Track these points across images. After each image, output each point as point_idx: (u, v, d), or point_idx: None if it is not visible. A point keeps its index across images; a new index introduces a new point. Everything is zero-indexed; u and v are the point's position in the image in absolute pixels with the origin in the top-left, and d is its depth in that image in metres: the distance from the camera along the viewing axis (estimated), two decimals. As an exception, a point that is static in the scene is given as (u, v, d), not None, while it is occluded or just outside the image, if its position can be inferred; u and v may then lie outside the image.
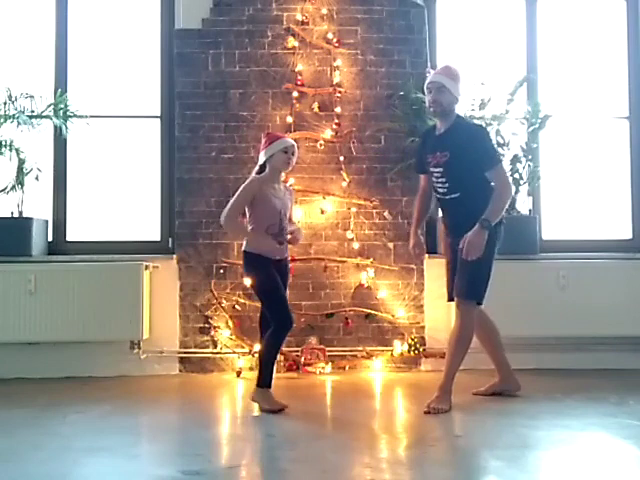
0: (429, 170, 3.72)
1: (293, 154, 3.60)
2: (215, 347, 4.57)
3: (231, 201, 3.58)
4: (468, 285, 3.58)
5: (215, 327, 4.54)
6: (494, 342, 3.90)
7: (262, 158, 3.63)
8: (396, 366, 4.60)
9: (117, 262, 4.51)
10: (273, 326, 3.44)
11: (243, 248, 3.61)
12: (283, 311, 3.48)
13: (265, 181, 3.58)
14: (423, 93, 4.60)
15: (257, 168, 3.66)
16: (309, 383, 3.46)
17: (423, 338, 4.66)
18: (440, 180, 3.65)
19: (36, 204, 4.66)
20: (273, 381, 3.45)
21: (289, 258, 3.77)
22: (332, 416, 3.36)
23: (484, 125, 4.63)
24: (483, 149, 3.59)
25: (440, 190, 3.68)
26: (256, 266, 3.53)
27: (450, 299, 3.79)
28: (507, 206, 3.68)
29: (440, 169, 3.63)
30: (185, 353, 4.56)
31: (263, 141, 3.67)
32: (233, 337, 4.53)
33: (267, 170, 3.61)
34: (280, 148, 3.59)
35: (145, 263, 4.50)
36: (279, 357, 4.48)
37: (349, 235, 4.67)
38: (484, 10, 5.08)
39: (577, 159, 5.04)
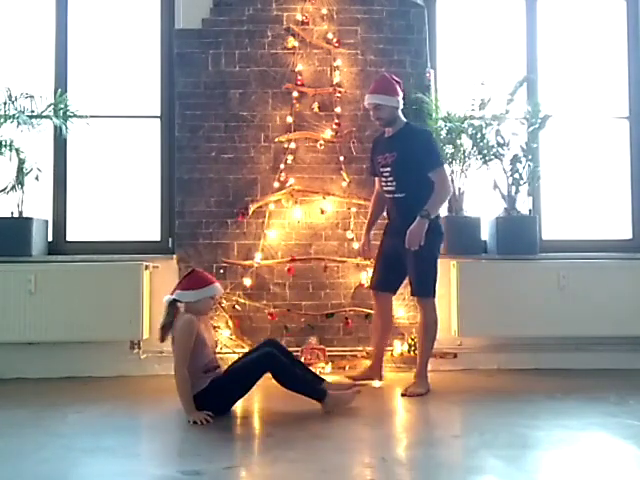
0: (379, 171, 4.05)
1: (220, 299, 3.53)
2: (215, 347, 4.56)
3: (177, 351, 3.36)
4: (426, 284, 3.97)
5: (215, 327, 4.53)
6: (384, 336, 4.24)
7: (187, 298, 3.43)
8: (396, 366, 4.60)
9: (117, 262, 4.50)
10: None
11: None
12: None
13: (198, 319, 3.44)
14: (423, 93, 4.64)
15: (179, 304, 3.46)
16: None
17: (423, 338, 4.65)
18: (388, 179, 3.98)
19: (36, 204, 4.66)
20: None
21: None
22: (332, 416, 3.36)
23: (484, 125, 4.65)
24: (428, 151, 3.92)
25: (388, 189, 4.01)
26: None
27: (373, 288, 4.20)
28: (445, 203, 4.08)
29: (388, 169, 3.97)
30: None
31: (188, 280, 3.47)
32: (233, 337, 4.54)
33: (186, 308, 3.45)
34: (210, 295, 3.49)
35: (145, 263, 4.49)
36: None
37: (349, 235, 4.67)
38: (484, 10, 5.08)
39: (577, 159, 5.04)
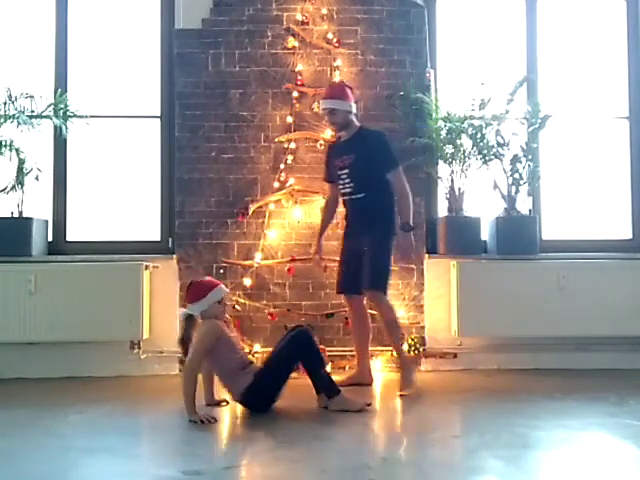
0: (337, 174, 4.11)
1: (228, 299, 3.54)
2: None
3: (193, 351, 3.36)
4: (378, 278, 3.97)
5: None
6: (363, 340, 4.22)
7: (197, 309, 3.45)
8: (396, 366, 4.59)
9: (117, 262, 4.50)
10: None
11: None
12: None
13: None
14: (423, 93, 4.64)
15: (196, 315, 3.46)
16: (309, 383, 3.45)
17: (423, 338, 4.66)
18: (346, 181, 4.06)
19: (36, 204, 4.66)
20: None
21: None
22: (332, 416, 3.36)
23: (484, 125, 4.65)
24: (384, 152, 4.02)
25: (347, 191, 4.08)
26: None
27: (340, 292, 4.22)
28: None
29: (346, 170, 4.05)
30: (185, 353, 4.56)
31: (190, 293, 3.48)
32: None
33: (202, 317, 3.46)
34: (215, 299, 3.48)
35: (145, 263, 4.50)
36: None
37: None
38: (484, 10, 5.08)
39: (577, 159, 5.04)
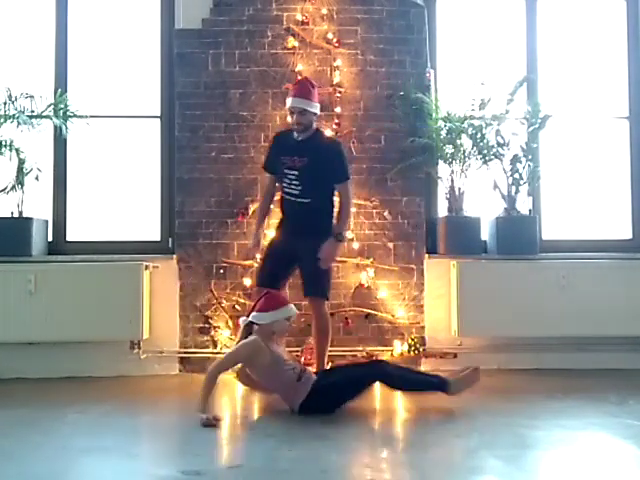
0: (282, 171, 3.97)
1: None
2: (215, 347, 4.56)
3: (227, 355, 3.42)
4: (326, 287, 3.98)
5: (215, 327, 4.54)
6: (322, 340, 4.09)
7: (263, 320, 3.44)
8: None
9: (117, 262, 4.50)
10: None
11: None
12: None
13: (265, 342, 3.43)
14: (423, 93, 4.64)
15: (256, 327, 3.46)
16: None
17: (423, 338, 4.66)
18: (294, 183, 3.93)
19: (36, 204, 4.66)
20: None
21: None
22: (332, 416, 3.35)
23: (484, 125, 4.65)
24: (338, 162, 3.95)
25: (293, 192, 3.95)
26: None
27: (262, 284, 3.94)
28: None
29: (296, 172, 3.91)
30: (185, 353, 4.56)
31: (264, 302, 3.48)
32: (233, 337, 4.53)
33: (259, 330, 3.44)
34: (285, 316, 3.49)
35: (145, 263, 4.49)
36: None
37: (349, 235, 4.67)
38: (484, 10, 5.07)
39: (577, 159, 5.04)
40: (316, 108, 3.96)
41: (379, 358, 3.84)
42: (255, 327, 3.46)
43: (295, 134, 3.97)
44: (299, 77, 4.01)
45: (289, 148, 3.96)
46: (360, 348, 4.60)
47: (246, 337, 3.44)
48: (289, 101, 3.93)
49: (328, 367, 4.09)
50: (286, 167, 3.94)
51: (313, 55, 4.74)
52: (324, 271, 3.92)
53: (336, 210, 4.01)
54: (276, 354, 3.41)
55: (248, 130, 4.70)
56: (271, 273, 3.98)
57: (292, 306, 3.55)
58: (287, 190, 3.97)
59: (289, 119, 3.96)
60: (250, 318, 3.47)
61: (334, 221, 3.98)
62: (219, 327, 4.56)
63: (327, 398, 3.40)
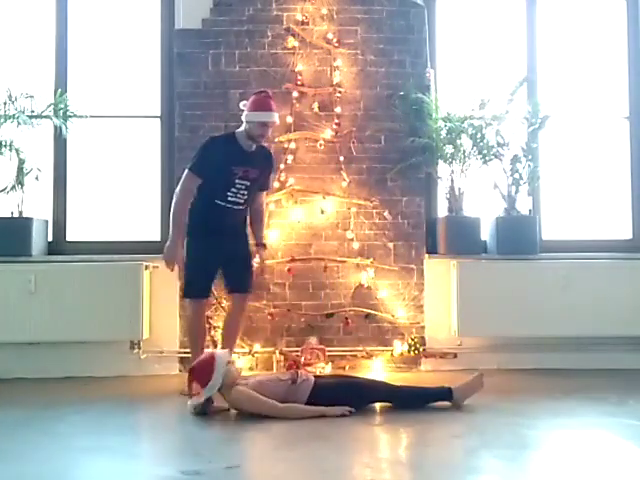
0: (230, 181, 3.90)
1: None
2: (215, 347, 4.55)
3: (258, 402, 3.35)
4: (252, 283, 4.15)
5: (215, 327, 4.53)
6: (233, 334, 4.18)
7: (212, 392, 3.34)
8: (396, 366, 4.60)
9: (117, 262, 4.50)
10: None
11: None
12: None
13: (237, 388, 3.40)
14: (423, 93, 4.64)
15: None
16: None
17: (423, 338, 4.66)
18: (242, 192, 3.95)
19: (36, 204, 4.66)
20: None
21: None
22: (332, 417, 3.35)
23: (484, 125, 4.66)
24: (273, 172, 4.28)
25: (237, 201, 3.95)
26: None
27: (206, 295, 4.07)
28: None
29: (247, 183, 3.95)
30: (185, 353, 4.55)
31: (197, 377, 3.35)
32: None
33: (225, 388, 3.38)
34: (222, 371, 3.35)
35: (145, 263, 4.49)
36: (280, 357, 4.51)
37: (349, 235, 4.67)
38: (484, 10, 5.07)
39: (577, 159, 5.04)
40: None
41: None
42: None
43: (243, 144, 3.95)
44: (261, 90, 4.04)
45: (241, 159, 3.94)
46: (360, 348, 4.60)
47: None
48: (267, 115, 3.90)
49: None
50: (237, 177, 3.92)
51: (313, 55, 4.74)
52: (252, 270, 4.12)
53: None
54: (263, 383, 3.41)
55: (248, 130, 4.69)
56: (207, 284, 4.02)
57: (220, 355, 3.44)
58: (231, 199, 3.92)
59: (255, 131, 3.90)
60: (204, 398, 3.34)
61: (257, 227, 4.19)
62: (219, 327, 4.55)
63: (329, 398, 3.40)
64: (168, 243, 3.95)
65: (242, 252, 4.07)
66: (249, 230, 4.18)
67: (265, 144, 4.19)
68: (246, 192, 3.97)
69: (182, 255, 3.96)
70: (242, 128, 3.97)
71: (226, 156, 3.92)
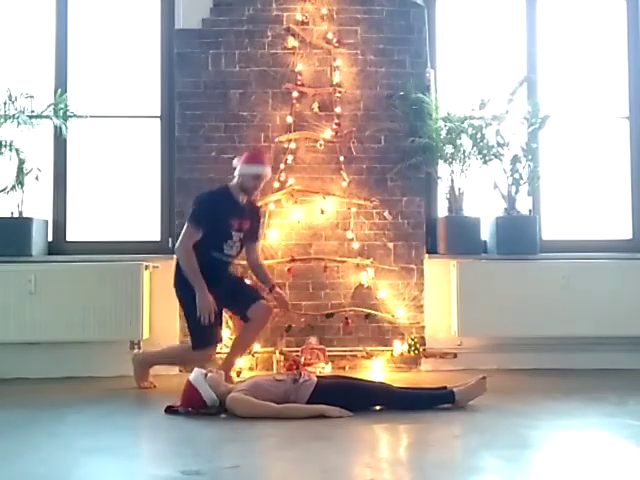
0: (227, 231, 3.98)
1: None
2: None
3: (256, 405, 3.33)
4: (256, 292, 4.19)
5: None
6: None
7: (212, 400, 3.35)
8: (396, 366, 4.60)
9: (117, 262, 4.51)
10: None
11: None
12: None
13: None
14: (423, 93, 4.64)
15: None
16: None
17: (423, 338, 4.66)
18: (236, 244, 4.06)
19: (36, 204, 4.66)
20: None
21: None
22: (332, 417, 3.35)
23: (484, 125, 4.66)
24: (262, 225, 4.37)
25: (231, 253, 4.05)
26: None
27: (213, 344, 4.02)
28: None
29: (241, 235, 4.06)
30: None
31: (189, 398, 3.36)
32: (233, 337, 4.52)
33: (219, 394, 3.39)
34: (210, 392, 3.36)
35: (145, 263, 4.50)
36: (279, 357, 4.51)
37: (349, 235, 4.67)
38: (484, 10, 5.08)
39: (577, 159, 5.04)
40: None
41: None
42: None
43: (238, 197, 4.05)
44: (255, 146, 4.29)
45: (236, 211, 4.03)
46: (360, 348, 4.60)
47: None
48: (264, 169, 4.06)
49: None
50: (233, 228, 4.01)
51: (313, 55, 4.74)
52: (250, 285, 4.26)
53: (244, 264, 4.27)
54: (249, 386, 3.40)
55: (248, 130, 4.70)
56: (215, 331, 4.01)
57: (196, 371, 3.43)
58: (226, 252, 4.01)
59: (248, 183, 3.99)
60: (210, 407, 3.35)
61: (263, 276, 4.25)
62: (219, 327, 4.55)
63: (330, 399, 3.40)
64: (197, 295, 3.88)
65: (232, 279, 4.15)
66: (256, 279, 4.30)
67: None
68: (239, 244, 4.08)
69: (212, 300, 3.90)
70: (235, 182, 4.05)
71: (223, 209, 3.99)
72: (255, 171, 4.01)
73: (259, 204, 4.43)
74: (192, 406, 3.37)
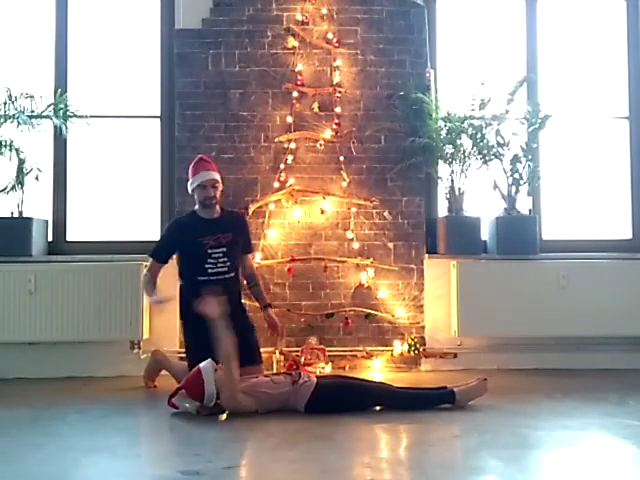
0: (204, 252, 3.86)
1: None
2: (215, 347, 4.56)
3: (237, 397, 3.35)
4: (259, 352, 4.08)
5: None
6: None
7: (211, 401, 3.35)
8: (396, 366, 4.60)
9: (117, 262, 4.51)
10: None
11: None
12: None
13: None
14: (423, 93, 4.64)
15: None
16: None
17: (423, 338, 4.66)
18: (222, 260, 3.90)
19: (36, 204, 4.66)
20: None
21: None
22: (332, 416, 3.35)
23: (484, 125, 4.66)
24: (249, 233, 4.15)
25: (220, 271, 3.90)
26: None
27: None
28: None
29: (223, 249, 3.90)
30: (185, 353, 4.55)
31: (193, 392, 3.36)
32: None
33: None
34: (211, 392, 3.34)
35: (145, 263, 4.49)
36: (280, 357, 4.51)
37: (349, 235, 4.67)
38: (484, 10, 5.08)
39: (577, 159, 5.04)
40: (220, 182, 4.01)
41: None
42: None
43: (204, 215, 3.95)
44: (198, 155, 4.13)
45: (207, 228, 3.92)
46: (360, 348, 4.60)
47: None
48: (203, 175, 3.90)
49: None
50: (209, 247, 3.88)
51: (313, 55, 4.74)
52: (257, 342, 4.05)
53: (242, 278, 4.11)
54: (244, 387, 3.39)
55: (248, 130, 4.70)
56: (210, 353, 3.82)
57: (209, 362, 3.41)
58: (211, 270, 3.88)
59: (199, 196, 3.92)
60: (206, 404, 3.35)
61: (257, 291, 4.13)
62: (219, 327, 4.55)
63: (331, 397, 3.41)
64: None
65: (242, 326, 3.85)
66: (250, 294, 4.17)
67: (234, 209, 4.26)
68: (226, 259, 3.91)
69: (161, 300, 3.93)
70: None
71: (189, 231, 3.92)
72: (197, 182, 3.90)
73: (241, 213, 4.29)
74: (191, 393, 3.35)
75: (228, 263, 3.92)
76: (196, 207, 4.00)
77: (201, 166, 3.97)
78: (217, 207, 3.98)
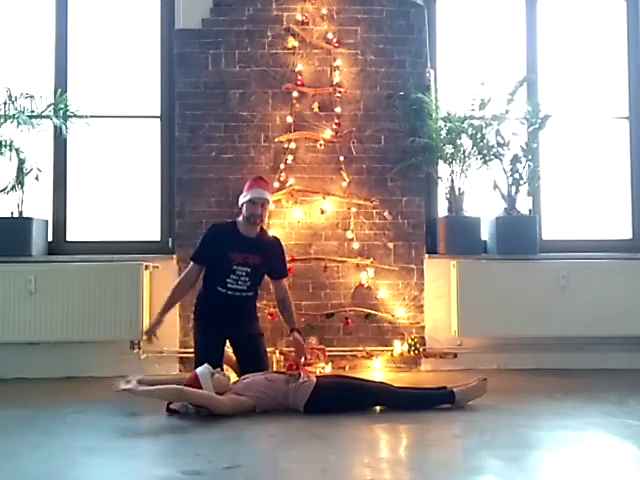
0: (227, 267, 3.90)
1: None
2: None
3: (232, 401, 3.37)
4: (267, 361, 4.09)
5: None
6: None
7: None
8: (396, 366, 4.60)
9: (117, 262, 4.51)
10: None
11: None
12: None
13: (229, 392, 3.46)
14: (423, 93, 4.64)
15: None
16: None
17: (423, 338, 4.66)
18: (243, 279, 3.94)
19: (36, 204, 4.66)
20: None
21: None
22: (332, 416, 3.35)
23: (484, 125, 4.65)
24: (284, 259, 4.15)
25: (239, 288, 3.94)
26: None
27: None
28: None
29: (247, 269, 3.93)
30: (185, 353, 4.56)
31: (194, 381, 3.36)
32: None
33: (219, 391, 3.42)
34: (209, 383, 3.37)
35: (145, 263, 4.50)
36: (279, 357, 4.51)
37: (349, 235, 4.67)
38: (484, 10, 5.08)
39: (577, 159, 5.04)
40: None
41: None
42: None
43: (243, 230, 3.97)
44: (257, 176, 4.12)
45: (240, 245, 3.94)
46: (360, 348, 4.60)
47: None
48: (254, 192, 3.91)
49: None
50: (235, 263, 3.91)
51: (313, 55, 4.74)
52: (265, 351, 4.07)
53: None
54: (239, 388, 3.41)
55: (248, 130, 4.70)
56: (217, 363, 3.83)
57: (205, 367, 3.43)
58: (231, 286, 3.92)
59: (246, 211, 3.91)
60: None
61: (287, 316, 4.09)
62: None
63: (330, 397, 3.41)
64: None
65: (250, 332, 4.00)
66: (280, 316, 4.18)
67: (271, 233, 4.22)
68: (248, 279, 3.93)
69: (156, 330, 3.93)
70: (241, 214, 4.00)
71: (223, 242, 3.95)
72: (249, 196, 3.91)
73: (278, 239, 4.20)
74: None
75: (249, 283, 3.95)
76: (239, 219, 4.01)
77: (257, 184, 3.98)
78: (258, 228, 4.01)
